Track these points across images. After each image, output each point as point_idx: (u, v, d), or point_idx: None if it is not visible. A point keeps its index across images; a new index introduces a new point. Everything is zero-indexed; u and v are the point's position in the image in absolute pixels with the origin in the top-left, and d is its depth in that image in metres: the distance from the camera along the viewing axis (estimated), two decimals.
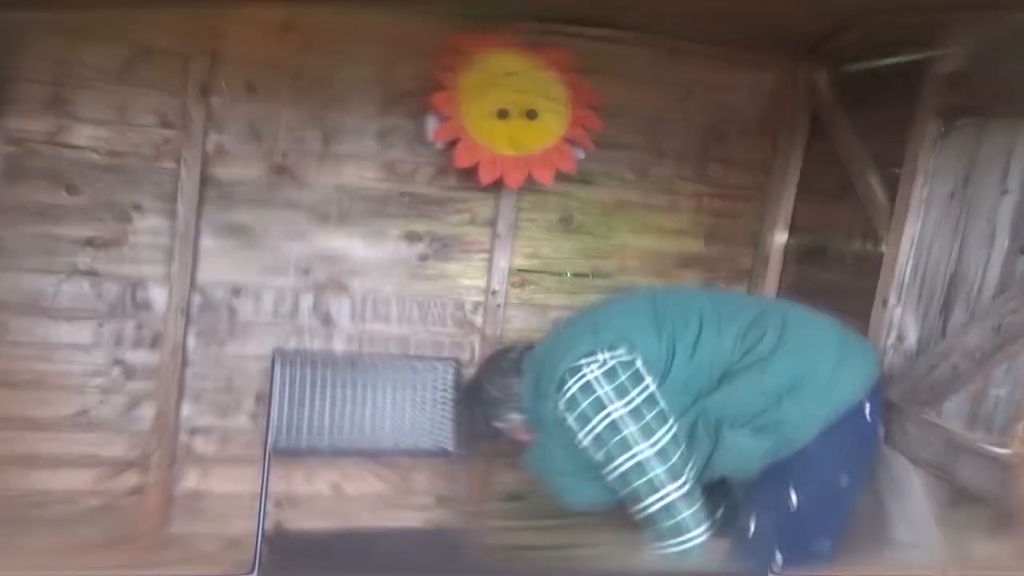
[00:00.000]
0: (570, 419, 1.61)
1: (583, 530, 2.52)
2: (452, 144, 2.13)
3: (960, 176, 1.74)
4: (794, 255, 2.46)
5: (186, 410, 2.18)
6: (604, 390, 1.56)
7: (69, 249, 2.03)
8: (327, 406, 2.19)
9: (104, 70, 1.97)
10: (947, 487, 1.62)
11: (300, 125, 2.12)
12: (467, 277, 2.32)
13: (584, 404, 1.57)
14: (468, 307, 2.33)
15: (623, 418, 1.55)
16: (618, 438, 1.55)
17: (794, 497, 1.61)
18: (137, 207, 2.05)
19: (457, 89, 2.08)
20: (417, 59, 2.13)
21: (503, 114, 2.12)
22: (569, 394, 1.59)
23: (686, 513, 1.55)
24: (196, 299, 2.13)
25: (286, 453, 2.18)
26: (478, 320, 2.34)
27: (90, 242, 2.04)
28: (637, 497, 1.57)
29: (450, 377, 2.28)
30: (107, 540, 2.17)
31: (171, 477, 2.18)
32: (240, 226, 2.14)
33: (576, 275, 2.40)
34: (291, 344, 2.22)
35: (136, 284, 2.09)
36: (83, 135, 1.99)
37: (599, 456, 1.59)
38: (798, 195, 2.45)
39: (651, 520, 1.57)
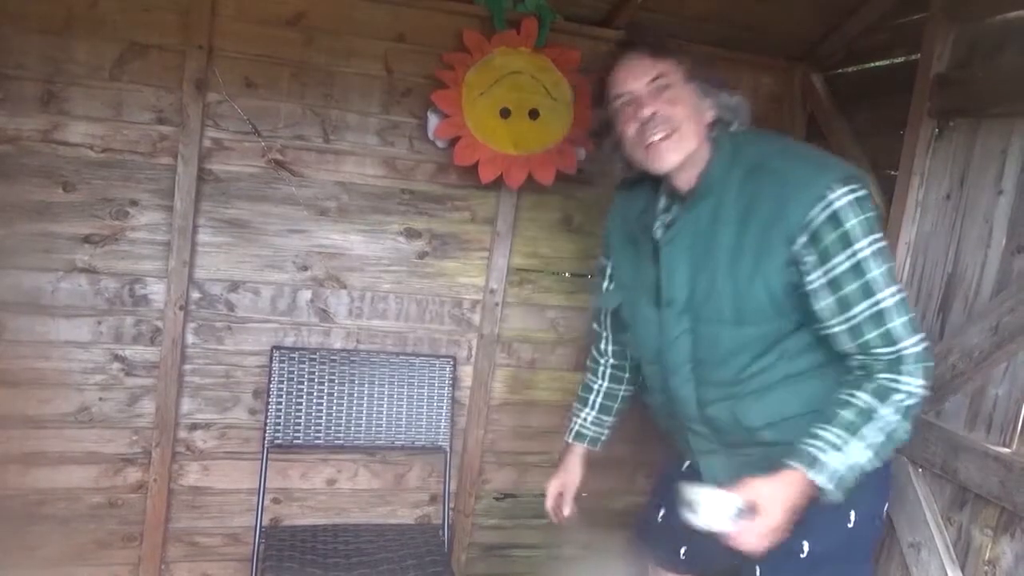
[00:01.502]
0: (829, 238, 1.28)
1: (572, 528, 2.54)
2: (453, 142, 2.14)
3: (956, 177, 1.76)
4: None
5: (185, 406, 2.17)
6: (867, 215, 1.28)
7: (66, 246, 2.02)
8: (324, 402, 2.20)
9: (96, 67, 1.96)
10: (949, 487, 1.64)
11: (299, 121, 2.12)
12: (465, 275, 2.32)
13: (852, 222, 1.27)
14: (466, 305, 2.34)
15: (877, 252, 1.28)
16: (868, 277, 1.28)
17: (806, 546, 1.43)
18: (134, 203, 2.05)
19: (460, 87, 2.08)
20: (420, 56, 2.14)
21: (505, 113, 2.13)
22: (828, 216, 1.28)
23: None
24: (194, 294, 2.13)
25: (283, 448, 2.20)
26: (476, 318, 2.35)
27: (87, 239, 2.03)
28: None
29: (447, 374, 2.29)
30: (111, 537, 2.18)
31: (172, 473, 2.19)
32: (238, 221, 2.13)
33: (574, 275, 2.41)
34: (289, 340, 2.22)
35: (134, 280, 2.08)
36: (78, 132, 1.98)
37: (833, 298, 1.30)
38: None
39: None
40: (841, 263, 1.29)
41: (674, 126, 1.36)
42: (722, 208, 1.39)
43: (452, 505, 2.38)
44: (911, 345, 1.30)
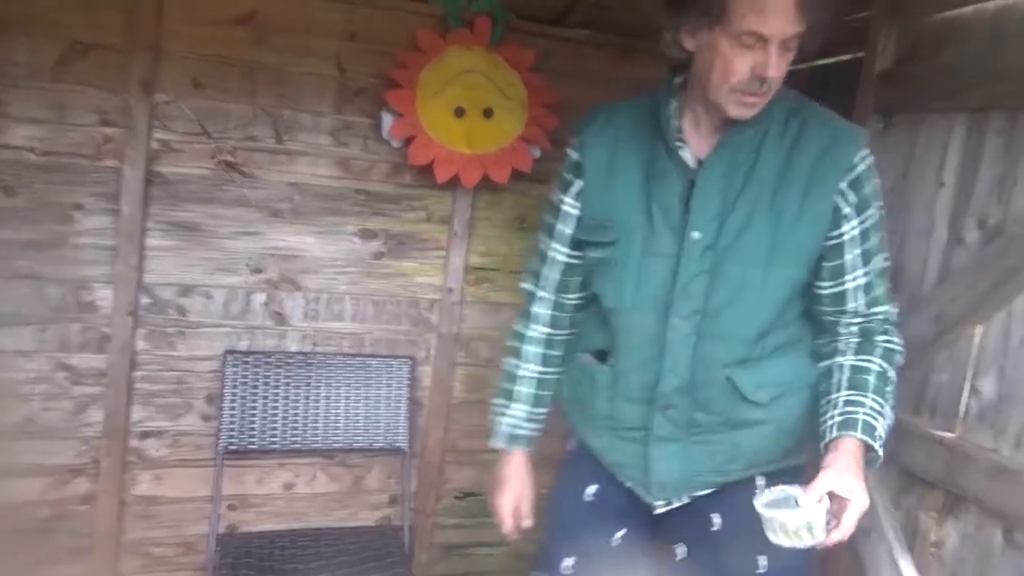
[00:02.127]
0: (867, 187, 1.30)
1: (534, 527, 2.55)
2: (408, 141, 2.13)
3: (900, 171, 1.80)
4: None
5: (136, 414, 2.12)
6: (877, 180, 1.34)
7: (7, 252, 1.95)
8: (280, 406, 2.18)
9: (37, 68, 1.90)
10: (896, 473, 1.69)
11: (250, 121, 2.09)
12: (423, 275, 2.31)
13: (876, 180, 1.32)
14: (424, 305, 2.33)
15: (880, 219, 1.34)
16: (882, 234, 1.35)
17: (764, 562, 1.38)
18: (79, 207, 1.99)
19: (413, 86, 2.08)
20: (373, 55, 2.12)
21: (460, 112, 2.13)
22: (867, 167, 1.31)
23: None
24: (144, 300, 2.08)
25: (238, 454, 2.16)
26: (434, 318, 2.34)
27: (30, 244, 1.97)
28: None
29: (405, 375, 2.28)
30: (60, 551, 2.12)
31: (123, 483, 2.13)
32: (188, 224, 2.09)
33: None
34: (243, 344, 2.19)
35: (80, 286, 2.02)
36: (18, 135, 1.91)
37: (860, 250, 1.32)
38: None
39: None
40: (872, 215, 1.31)
41: (771, 89, 1.24)
42: (767, 138, 1.30)
43: (412, 506, 2.37)
44: (895, 307, 1.38)
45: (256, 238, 2.15)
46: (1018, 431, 1.45)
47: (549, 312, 1.53)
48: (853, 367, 1.32)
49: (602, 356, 1.44)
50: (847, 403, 1.28)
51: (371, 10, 2.10)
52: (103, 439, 2.08)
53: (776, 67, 1.20)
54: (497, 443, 1.56)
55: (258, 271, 2.17)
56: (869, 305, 1.35)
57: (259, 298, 2.18)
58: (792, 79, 1.38)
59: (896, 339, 1.36)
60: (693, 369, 1.33)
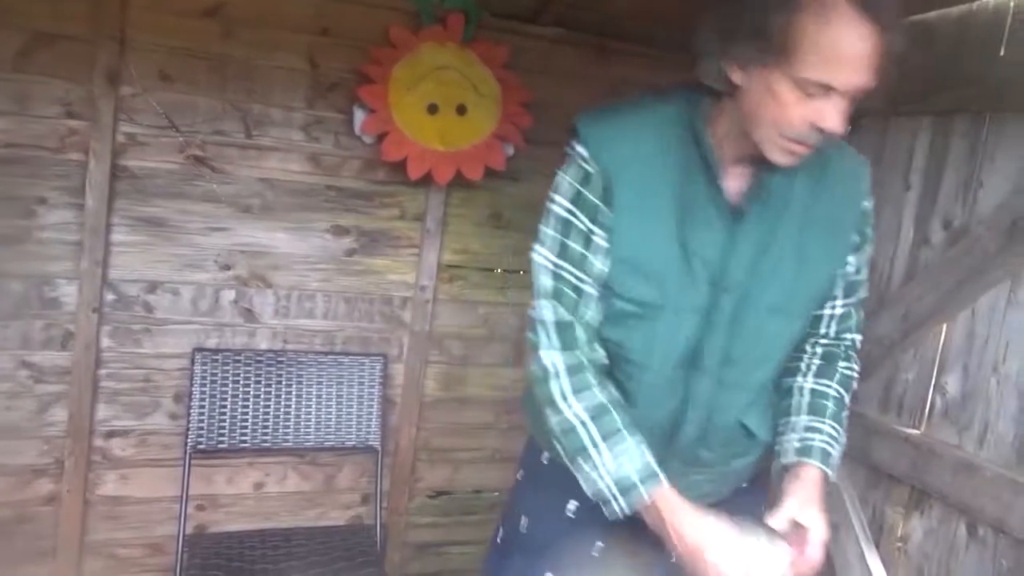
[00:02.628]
0: (871, 219, 1.28)
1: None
2: (380, 138, 2.11)
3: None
4: None
5: (101, 412, 2.08)
6: None
7: None
8: (250, 404, 2.15)
9: None
10: (863, 469, 1.72)
11: (219, 116, 2.05)
12: (395, 272, 2.30)
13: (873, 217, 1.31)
14: (396, 302, 2.32)
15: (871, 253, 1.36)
16: None
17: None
18: (42, 201, 1.94)
19: (386, 82, 2.06)
20: (346, 51, 2.10)
21: (433, 109, 2.12)
22: (872, 201, 1.28)
23: None
24: (109, 296, 2.04)
25: (207, 454, 2.13)
26: (406, 315, 2.33)
27: None
28: None
29: (377, 373, 2.26)
30: (23, 553, 2.07)
31: (88, 483, 2.09)
32: (155, 219, 2.05)
33: (505, 271, 2.42)
34: (212, 341, 2.15)
35: (43, 282, 1.98)
36: None
37: (852, 280, 1.31)
38: None
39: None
40: (869, 250, 1.31)
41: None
42: (797, 176, 1.18)
43: (385, 505, 2.36)
44: (860, 335, 1.38)
45: (225, 234, 2.12)
46: (981, 428, 1.48)
47: (595, 353, 1.25)
48: (813, 391, 1.32)
49: None
50: (807, 428, 1.28)
51: (344, 5, 2.08)
52: (67, 438, 2.04)
53: (840, 121, 1.05)
54: (648, 489, 1.16)
55: (227, 268, 2.14)
56: (839, 332, 1.35)
57: (228, 295, 2.15)
58: None
59: (855, 365, 1.36)
60: (711, 417, 1.26)
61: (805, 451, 1.26)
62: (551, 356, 1.22)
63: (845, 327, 1.35)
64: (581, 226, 1.20)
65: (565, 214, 1.21)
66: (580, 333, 1.22)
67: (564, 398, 1.20)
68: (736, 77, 1.10)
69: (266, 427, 2.16)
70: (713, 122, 1.18)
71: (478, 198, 2.33)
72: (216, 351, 2.13)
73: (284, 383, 2.18)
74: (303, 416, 2.20)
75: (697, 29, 1.13)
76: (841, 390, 1.32)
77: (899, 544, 1.64)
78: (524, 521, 1.46)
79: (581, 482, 1.21)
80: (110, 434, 2.10)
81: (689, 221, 1.17)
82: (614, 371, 1.26)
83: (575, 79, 2.32)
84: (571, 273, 1.21)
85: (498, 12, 2.18)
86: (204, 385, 2.10)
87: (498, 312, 2.42)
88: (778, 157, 1.10)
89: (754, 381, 1.27)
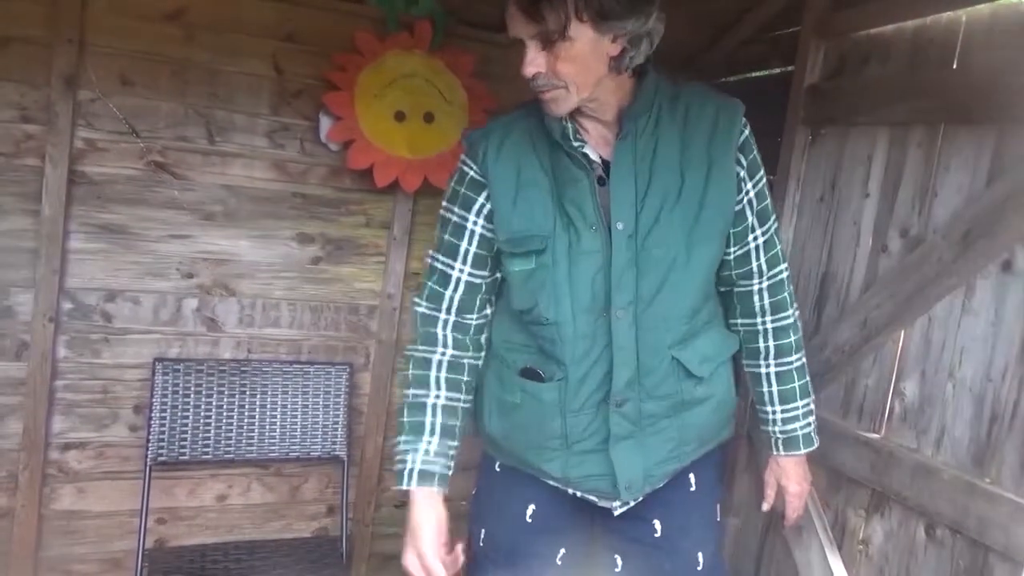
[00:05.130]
0: (752, 153, 1.39)
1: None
2: (347, 145, 2.10)
3: (828, 181, 1.87)
4: None
5: (57, 424, 2.03)
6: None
7: None
8: (212, 415, 2.12)
9: None
10: (825, 472, 1.74)
11: (181, 121, 2.03)
12: (362, 280, 2.28)
13: (755, 149, 1.41)
14: (363, 311, 2.30)
15: (766, 183, 1.46)
16: (770, 198, 1.46)
17: (701, 558, 1.49)
18: None
19: (352, 89, 2.05)
20: (311, 57, 2.08)
21: (400, 116, 2.11)
22: (749, 132, 1.39)
23: None
24: (66, 305, 1.99)
25: (168, 466, 2.09)
26: (373, 324, 2.31)
27: None
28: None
29: (343, 382, 2.24)
30: None
31: (43, 497, 2.03)
32: (114, 226, 2.01)
33: None
34: (173, 351, 2.12)
35: None
36: None
37: (757, 209, 1.42)
38: None
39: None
40: (762, 178, 1.41)
41: (558, 84, 1.25)
42: (660, 125, 1.34)
43: (351, 515, 2.33)
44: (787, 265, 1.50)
45: (188, 241, 2.08)
46: (939, 432, 1.52)
47: (453, 334, 1.43)
48: (778, 375, 1.49)
49: (535, 374, 1.40)
50: (784, 421, 1.50)
51: (308, 10, 2.07)
52: (21, 451, 1.98)
53: (532, 64, 1.26)
54: (406, 483, 1.38)
55: (190, 276, 2.10)
56: (770, 264, 1.44)
57: (191, 304, 2.12)
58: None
59: (795, 304, 1.49)
60: (639, 358, 1.35)
61: (789, 443, 1.51)
62: (412, 347, 1.45)
63: (772, 257, 1.44)
64: (455, 219, 1.41)
65: (444, 213, 1.43)
66: (439, 330, 1.43)
67: (408, 385, 1.44)
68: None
69: (229, 438, 2.13)
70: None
71: None
72: (178, 361, 2.10)
73: (248, 393, 2.15)
74: (268, 426, 2.17)
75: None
76: (798, 354, 1.49)
77: (860, 546, 1.67)
78: (483, 533, 1.55)
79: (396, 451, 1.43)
80: (66, 447, 2.05)
81: (561, 186, 1.34)
82: (541, 344, 1.39)
83: None
84: (443, 263, 1.42)
85: (465, 20, 2.19)
86: (165, 396, 2.06)
87: None
88: (548, 109, 1.30)
89: (673, 314, 1.35)
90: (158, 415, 2.04)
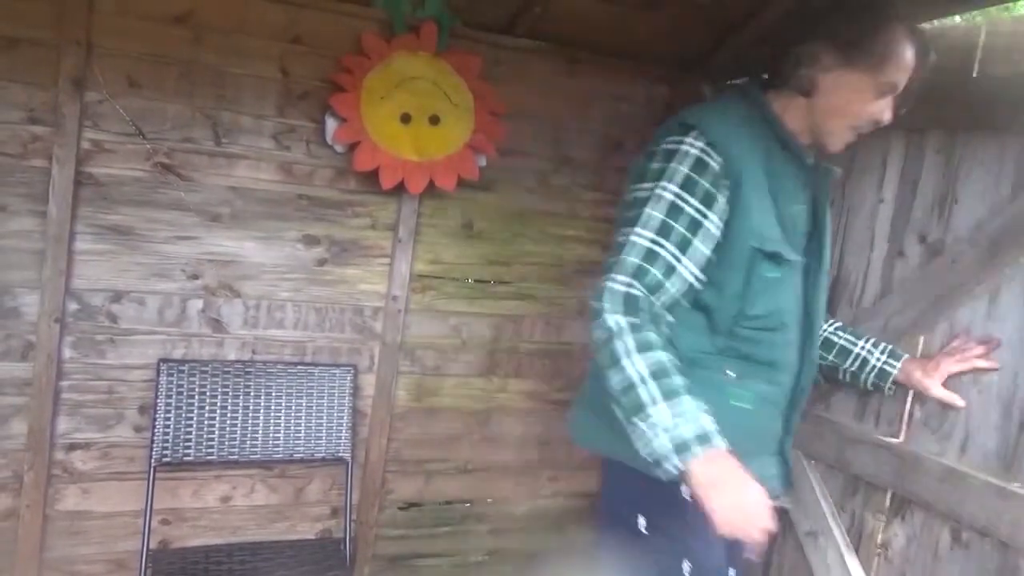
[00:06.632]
0: None
1: (477, 536, 2.54)
2: (352, 147, 2.09)
3: (839, 185, 1.85)
4: None
5: (62, 425, 2.03)
6: None
7: None
8: (217, 416, 2.12)
9: None
10: (841, 477, 1.73)
11: (188, 123, 2.02)
12: (367, 282, 2.27)
13: None
14: (367, 313, 2.29)
15: None
16: None
17: (641, 520, 1.39)
18: (2, 208, 1.90)
19: (358, 91, 2.04)
20: (317, 59, 2.08)
21: (406, 118, 2.11)
22: None
23: None
24: (72, 306, 2.00)
25: (172, 466, 2.09)
26: (378, 326, 2.31)
27: None
28: None
29: (348, 384, 2.24)
30: None
31: (47, 497, 2.03)
32: (121, 228, 2.01)
33: (477, 281, 2.41)
34: (178, 352, 2.12)
35: (3, 291, 1.93)
36: None
37: None
38: None
39: None
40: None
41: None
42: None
43: (355, 517, 2.33)
44: None
45: (193, 243, 2.08)
46: (963, 436, 1.50)
47: (664, 329, 1.30)
48: (835, 330, 1.70)
49: (767, 377, 1.42)
50: (874, 344, 1.65)
51: (314, 12, 2.06)
52: (26, 452, 1.99)
53: (891, 113, 1.39)
54: (708, 446, 1.18)
55: (195, 277, 2.10)
56: None
57: (196, 305, 2.12)
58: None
59: None
60: (810, 363, 1.49)
61: (893, 355, 1.60)
62: (614, 318, 1.25)
63: None
64: (692, 211, 1.31)
65: (674, 199, 1.31)
66: (646, 305, 1.27)
67: (628, 354, 1.23)
68: (822, 80, 1.37)
69: (233, 439, 2.13)
70: (780, 116, 1.43)
71: (450, 208, 2.32)
72: (183, 362, 2.10)
73: (252, 394, 2.15)
74: (272, 428, 2.17)
75: (781, 47, 1.42)
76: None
77: (879, 550, 1.66)
78: (687, 568, 1.37)
79: (634, 441, 1.23)
80: (71, 447, 2.05)
81: (781, 198, 1.39)
82: (751, 350, 1.39)
83: (548, 90, 2.33)
84: (670, 252, 1.30)
85: (471, 22, 2.18)
86: (170, 397, 2.06)
87: (470, 322, 2.41)
88: (837, 146, 1.42)
89: (820, 328, 1.54)
90: (163, 416, 2.05)
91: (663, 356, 1.23)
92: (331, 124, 2.09)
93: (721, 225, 1.33)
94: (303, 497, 2.32)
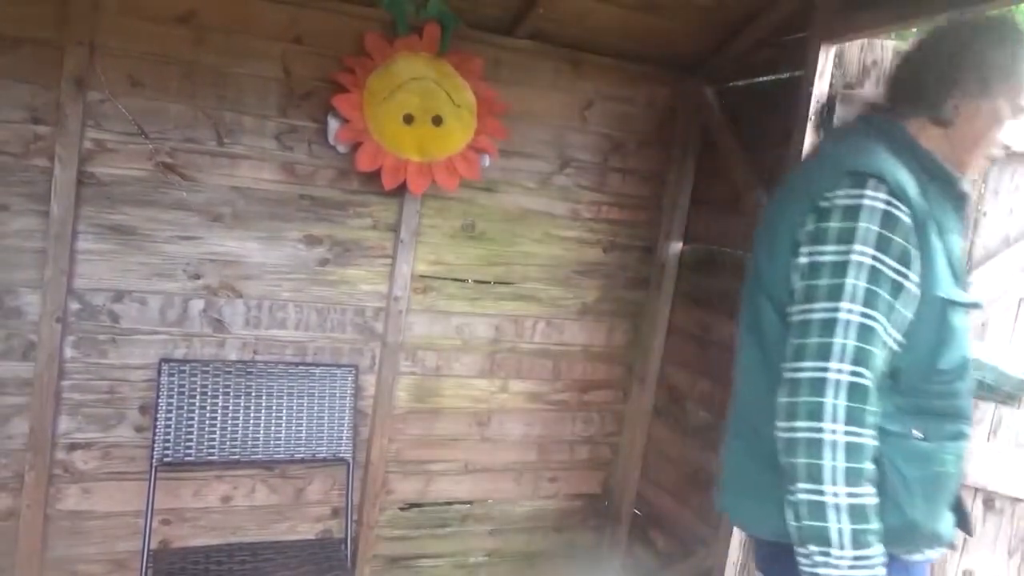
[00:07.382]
0: None
1: (477, 536, 2.55)
2: (355, 147, 2.10)
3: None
4: (688, 263, 2.56)
5: (63, 425, 2.03)
6: None
7: None
8: (218, 416, 2.11)
9: None
10: None
11: (190, 123, 2.03)
12: (368, 282, 2.28)
13: None
14: (369, 313, 2.30)
15: None
16: None
17: None
18: (4, 208, 1.90)
19: (361, 91, 2.05)
20: (320, 59, 2.08)
21: (408, 119, 2.11)
22: None
23: None
24: (73, 305, 2.00)
25: (173, 467, 2.09)
26: (379, 326, 2.31)
27: None
28: None
29: (349, 384, 2.24)
30: None
31: (48, 497, 2.03)
32: (123, 227, 2.02)
33: (478, 282, 2.41)
34: (179, 352, 2.12)
35: (4, 291, 1.93)
36: None
37: None
38: (691, 205, 2.56)
39: None
40: None
41: None
42: None
43: (355, 517, 2.33)
44: None
45: (195, 243, 2.08)
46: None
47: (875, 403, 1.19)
48: None
49: (956, 434, 1.30)
50: None
51: (317, 13, 2.07)
52: (27, 452, 1.98)
53: None
54: None
55: (197, 277, 2.10)
56: None
57: (197, 305, 2.12)
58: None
59: None
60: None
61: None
62: (832, 426, 1.14)
63: None
64: (892, 274, 1.18)
65: (871, 262, 1.18)
66: (873, 399, 1.16)
67: (834, 480, 1.14)
68: (966, 109, 1.30)
69: (235, 439, 2.13)
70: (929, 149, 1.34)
71: (452, 208, 2.32)
72: (184, 361, 2.10)
73: (254, 394, 2.15)
74: (273, 428, 2.17)
75: (926, 82, 1.34)
76: None
77: None
78: None
79: (796, 548, 1.16)
80: (72, 447, 2.05)
81: (945, 237, 1.26)
82: (929, 404, 1.26)
83: (550, 92, 2.34)
84: (881, 325, 1.17)
85: (474, 24, 2.19)
86: (171, 396, 2.06)
87: (472, 323, 2.42)
88: (972, 174, 1.37)
89: None
90: (164, 416, 2.04)
91: (868, 493, 1.14)
92: (333, 124, 2.09)
93: (919, 281, 1.21)
94: (304, 497, 2.32)
